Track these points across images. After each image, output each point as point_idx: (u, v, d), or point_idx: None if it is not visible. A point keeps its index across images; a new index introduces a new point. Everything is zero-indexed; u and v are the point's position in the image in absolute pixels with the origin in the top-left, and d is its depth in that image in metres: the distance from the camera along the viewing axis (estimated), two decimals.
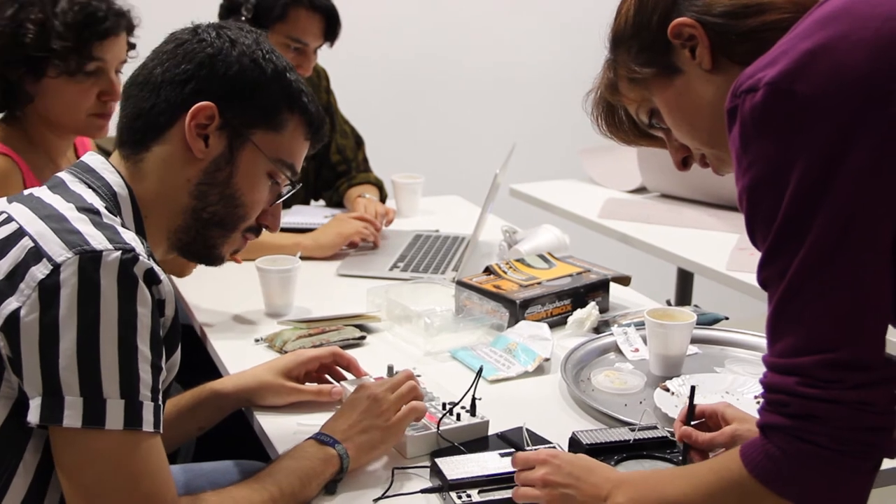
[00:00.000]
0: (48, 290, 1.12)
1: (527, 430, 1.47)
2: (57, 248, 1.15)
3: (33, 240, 1.17)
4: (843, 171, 0.97)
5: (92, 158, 1.35)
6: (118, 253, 1.15)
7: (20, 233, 1.19)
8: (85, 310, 1.12)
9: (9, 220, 1.23)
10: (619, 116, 1.32)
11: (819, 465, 1.02)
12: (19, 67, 1.85)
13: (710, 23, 1.14)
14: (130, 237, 1.20)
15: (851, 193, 0.98)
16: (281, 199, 1.42)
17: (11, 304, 1.13)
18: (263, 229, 1.44)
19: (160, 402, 1.19)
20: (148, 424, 1.16)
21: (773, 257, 1.03)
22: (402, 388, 1.49)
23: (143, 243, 1.23)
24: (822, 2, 1.06)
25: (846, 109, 0.97)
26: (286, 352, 1.78)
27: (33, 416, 1.13)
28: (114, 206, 1.29)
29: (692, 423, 1.39)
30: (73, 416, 1.12)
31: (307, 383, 1.65)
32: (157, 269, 1.19)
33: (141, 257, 1.17)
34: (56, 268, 1.13)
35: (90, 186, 1.30)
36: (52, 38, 1.83)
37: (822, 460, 1.02)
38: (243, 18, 2.48)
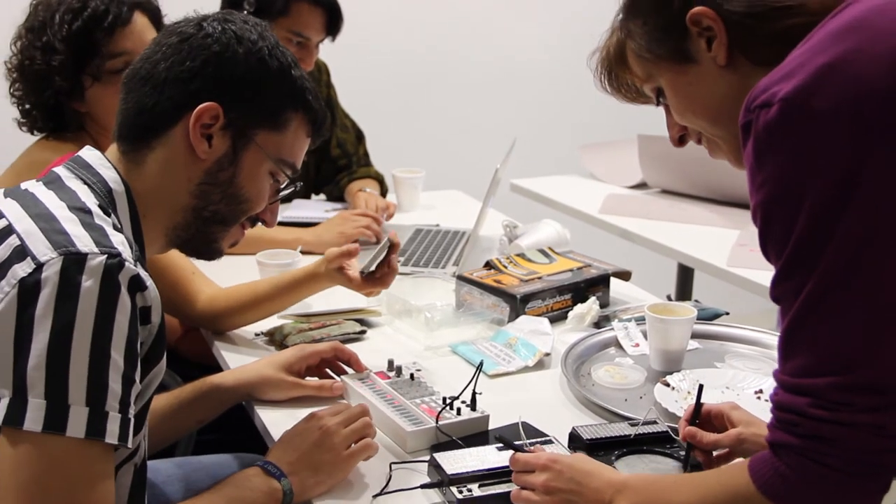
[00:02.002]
0: (28, 289, 1.10)
1: (523, 424, 1.47)
2: (42, 248, 1.12)
3: (20, 238, 1.15)
4: (861, 189, 0.95)
5: (89, 154, 1.33)
6: (103, 257, 1.12)
7: (8, 230, 1.17)
8: (61, 312, 1.09)
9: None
10: (622, 79, 1.28)
11: (828, 485, 1.01)
12: (48, 91, 1.86)
13: (731, 19, 1.10)
14: (119, 240, 1.17)
15: (869, 212, 0.96)
16: (280, 196, 1.41)
17: None
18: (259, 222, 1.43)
19: (129, 416, 1.14)
20: (111, 436, 1.12)
21: (788, 275, 1.01)
22: (356, 423, 1.42)
23: (132, 247, 1.21)
24: (835, 12, 1.03)
25: (863, 125, 0.95)
26: (287, 346, 1.79)
27: None
28: (108, 203, 1.27)
29: (697, 420, 1.38)
30: (34, 419, 1.08)
31: (308, 378, 1.65)
32: (143, 274, 1.17)
33: (127, 263, 1.14)
34: (39, 267, 1.11)
35: (86, 182, 1.27)
36: (53, 56, 1.83)
37: (832, 481, 1.01)
38: (245, 12, 2.48)
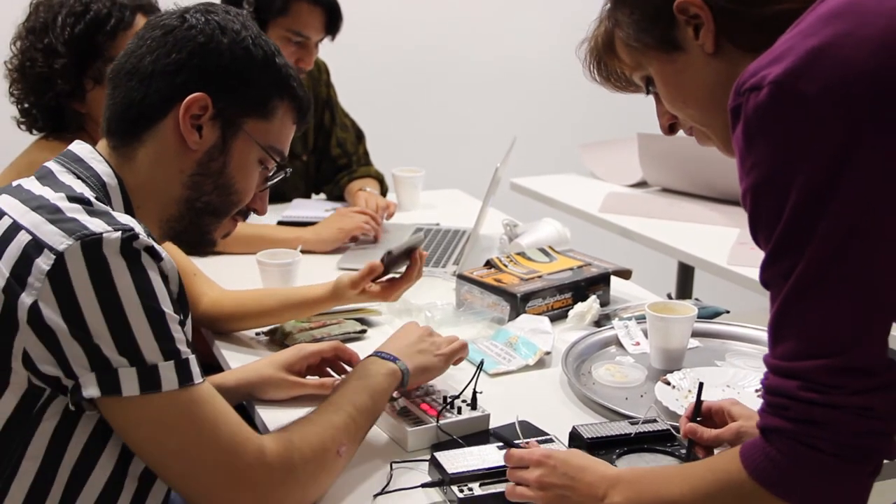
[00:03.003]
0: (58, 281, 1.12)
1: (521, 422, 1.47)
2: (56, 237, 1.14)
3: (30, 232, 1.16)
4: (850, 172, 0.95)
5: (80, 148, 1.33)
6: (118, 233, 1.15)
7: (15, 227, 1.18)
8: (101, 290, 1.13)
9: (0, 214, 1.21)
10: (611, 68, 1.29)
11: (820, 469, 1.01)
12: (49, 93, 1.86)
13: (717, 6, 1.10)
14: (127, 219, 1.20)
15: (858, 195, 0.96)
16: (269, 184, 1.42)
17: (26, 299, 1.13)
18: (252, 213, 1.44)
19: (193, 355, 1.22)
20: (197, 377, 1.20)
21: (777, 258, 1.01)
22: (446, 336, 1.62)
23: (140, 223, 1.23)
24: None
25: (853, 108, 0.95)
26: (287, 345, 1.78)
27: (92, 391, 1.14)
28: (103, 196, 1.28)
29: (698, 419, 1.39)
30: (130, 386, 1.14)
31: (308, 377, 1.65)
32: (157, 246, 1.20)
33: (141, 235, 1.17)
34: (59, 256, 1.12)
35: (79, 177, 1.28)
36: (55, 60, 1.84)
37: (823, 465, 1.01)
38: (244, 12, 2.48)
